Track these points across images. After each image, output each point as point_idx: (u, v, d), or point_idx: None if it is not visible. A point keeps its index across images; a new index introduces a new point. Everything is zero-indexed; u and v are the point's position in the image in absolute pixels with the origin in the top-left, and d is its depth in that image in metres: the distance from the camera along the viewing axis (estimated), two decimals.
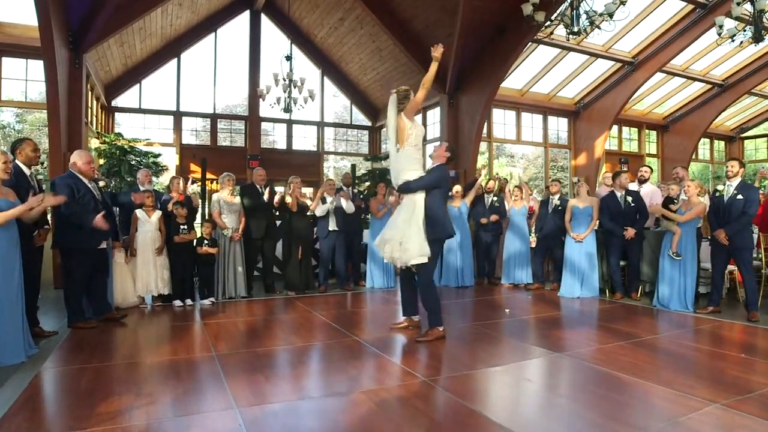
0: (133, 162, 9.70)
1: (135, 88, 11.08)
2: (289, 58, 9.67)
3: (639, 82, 11.08)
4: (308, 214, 7.18)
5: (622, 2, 4.99)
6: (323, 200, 7.19)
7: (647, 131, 14.15)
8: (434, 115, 11.72)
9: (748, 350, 4.10)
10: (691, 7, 9.36)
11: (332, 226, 7.22)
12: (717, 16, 8.86)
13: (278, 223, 7.24)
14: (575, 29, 5.17)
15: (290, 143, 13.49)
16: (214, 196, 6.57)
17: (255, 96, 12.18)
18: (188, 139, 11.99)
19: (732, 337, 4.58)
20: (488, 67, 9.89)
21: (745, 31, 6.58)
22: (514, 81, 11.47)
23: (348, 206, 7.28)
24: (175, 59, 11.44)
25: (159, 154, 10.41)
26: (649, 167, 7.22)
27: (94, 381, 3.26)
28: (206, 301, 6.12)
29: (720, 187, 5.33)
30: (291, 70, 9.62)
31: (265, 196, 6.82)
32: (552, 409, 2.86)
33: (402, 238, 4.26)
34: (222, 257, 6.36)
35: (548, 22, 5.33)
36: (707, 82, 12.35)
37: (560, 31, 9.95)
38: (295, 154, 13.38)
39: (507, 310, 5.82)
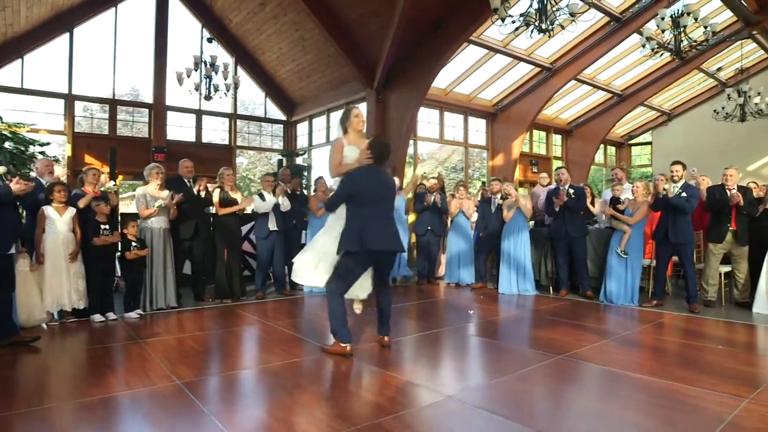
0: (15, 151, 8.22)
1: (16, 63, 9.37)
2: (210, 40, 8.77)
3: (555, 87, 11.62)
4: (250, 211, 6.50)
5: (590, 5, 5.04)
6: (261, 196, 6.58)
7: (554, 135, 15.02)
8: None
9: (719, 341, 4.29)
10: (607, 19, 9.97)
11: (272, 225, 6.59)
12: (632, 31, 9.65)
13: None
14: (543, 27, 5.12)
15: (200, 135, 12.37)
16: (139, 190, 5.62)
17: (161, 82, 10.97)
18: (82, 126, 10.44)
19: (694, 329, 4.77)
20: (420, 64, 9.75)
21: (668, 45, 7.02)
22: (439, 80, 11.45)
23: (284, 203, 6.73)
24: (67, 34, 9.88)
25: (47, 143, 8.92)
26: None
27: None
28: (133, 314, 5.19)
29: (666, 187, 5.62)
30: (202, 54, 8.70)
31: (196, 190, 6.07)
32: (603, 418, 2.65)
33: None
34: (150, 261, 5.47)
35: (514, 19, 5.19)
36: (609, 92, 13.34)
37: (491, 32, 10.31)
38: (205, 148, 12.30)
39: (471, 312, 5.66)
